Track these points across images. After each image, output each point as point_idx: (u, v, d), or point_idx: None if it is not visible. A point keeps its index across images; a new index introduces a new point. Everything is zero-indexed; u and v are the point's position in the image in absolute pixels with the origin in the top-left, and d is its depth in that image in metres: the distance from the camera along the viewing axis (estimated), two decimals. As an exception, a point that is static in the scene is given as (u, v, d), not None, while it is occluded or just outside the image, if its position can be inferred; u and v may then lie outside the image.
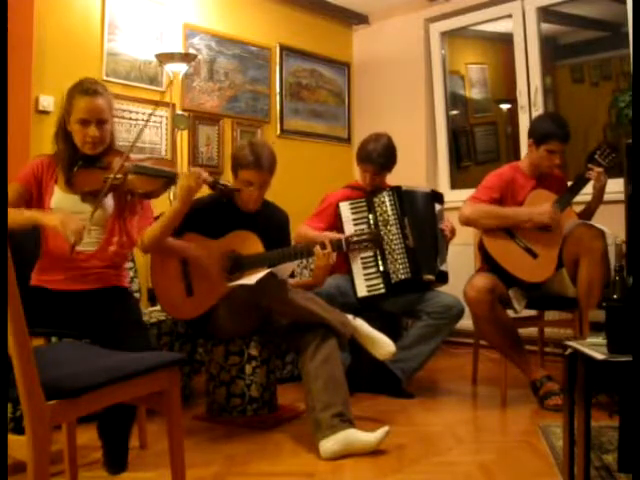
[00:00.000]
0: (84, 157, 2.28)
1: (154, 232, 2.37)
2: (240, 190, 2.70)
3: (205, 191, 2.55)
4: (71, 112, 2.22)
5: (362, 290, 3.10)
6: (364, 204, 3.21)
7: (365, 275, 3.13)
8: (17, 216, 2.10)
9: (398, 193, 3.21)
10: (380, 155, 3.23)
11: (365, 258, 3.13)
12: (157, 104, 2.51)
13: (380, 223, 3.17)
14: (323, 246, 2.72)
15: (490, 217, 2.99)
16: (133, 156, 2.40)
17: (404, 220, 3.18)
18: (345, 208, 3.20)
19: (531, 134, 3.10)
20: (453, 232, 3.26)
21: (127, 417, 2.09)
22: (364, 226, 3.15)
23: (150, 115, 2.29)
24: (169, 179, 2.35)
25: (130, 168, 2.28)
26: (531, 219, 2.95)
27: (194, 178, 2.32)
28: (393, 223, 3.17)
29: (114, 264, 2.34)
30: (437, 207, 3.28)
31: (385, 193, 3.21)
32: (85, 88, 2.22)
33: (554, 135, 2.99)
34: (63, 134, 2.28)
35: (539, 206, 2.97)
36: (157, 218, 2.45)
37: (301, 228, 3.24)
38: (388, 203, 3.19)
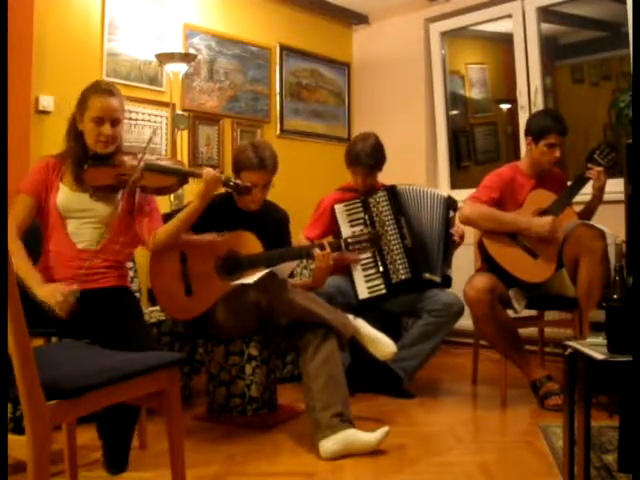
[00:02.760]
0: (94, 156, 2.32)
1: (170, 230, 2.41)
2: (251, 187, 2.65)
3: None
4: (85, 111, 2.28)
5: (363, 292, 3.10)
6: (359, 205, 3.20)
7: (365, 276, 3.13)
8: (20, 264, 2.11)
9: (393, 193, 3.20)
10: (368, 155, 3.19)
11: (364, 259, 3.13)
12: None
13: (377, 223, 3.16)
14: (322, 247, 2.71)
15: (490, 220, 2.98)
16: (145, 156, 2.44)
17: (400, 220, 3.17)
18: (340, 210, 3.18)
19: (528, 131, 3.10)
20: (462, 237, 3.24)
21: (130, 417, 2.10)
22: (361, 227, 3.14)
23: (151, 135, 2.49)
24: (182, 177, 2.43)
25: (145, 164, 2.34)
26: (529, 228, 2.94)
27: (215, 180, 2.42)
28: (390, 223, 3.16)
29: (116, 263, 2.35)
30: (450, 213, 3.24)
31: (380, 193, 3.20)
32: (101, 88, 2.31)
33: (552, 128, 2.99)
34: (74, 133, 2.33)
35: (540, 218, 2.95)
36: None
37: (299, 240, 3.22)
38: (384, 203, 3.18)
